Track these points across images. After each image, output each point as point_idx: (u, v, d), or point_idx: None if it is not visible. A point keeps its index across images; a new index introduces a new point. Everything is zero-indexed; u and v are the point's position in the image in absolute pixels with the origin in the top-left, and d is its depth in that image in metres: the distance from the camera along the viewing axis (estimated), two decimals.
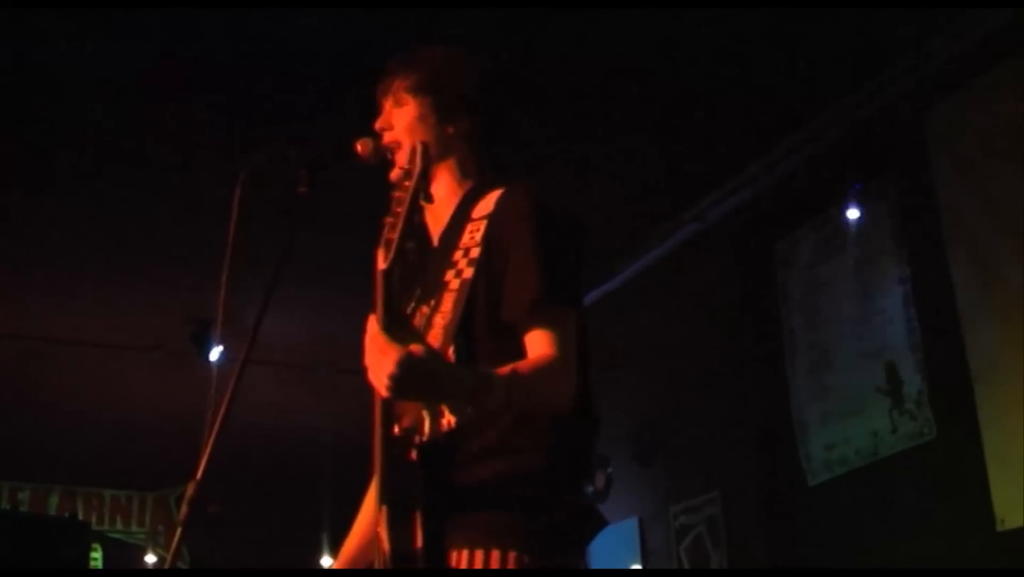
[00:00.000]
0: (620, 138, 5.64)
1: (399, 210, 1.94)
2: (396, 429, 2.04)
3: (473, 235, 2.15)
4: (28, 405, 8.57)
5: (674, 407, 6.59)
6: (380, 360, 1.81)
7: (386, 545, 1.90)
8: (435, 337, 2.05)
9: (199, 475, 2.04)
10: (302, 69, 4.98)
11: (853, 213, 5.38)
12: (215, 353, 6.71)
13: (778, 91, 5.25)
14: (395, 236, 1.92)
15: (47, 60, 4.90)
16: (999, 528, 4.48)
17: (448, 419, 2.04)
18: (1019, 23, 4.60)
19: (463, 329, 2.05)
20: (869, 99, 5.24)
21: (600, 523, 2.10)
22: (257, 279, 2.17)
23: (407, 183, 1.96)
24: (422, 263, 2.22)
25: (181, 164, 5.71)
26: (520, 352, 2.02)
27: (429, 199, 2.03)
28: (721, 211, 6.21)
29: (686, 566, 6.32)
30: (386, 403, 1.96)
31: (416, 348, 1.82)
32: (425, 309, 2.15)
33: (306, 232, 2.30)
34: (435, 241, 2.30)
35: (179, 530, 2.04)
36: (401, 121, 2.33)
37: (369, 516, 2.34)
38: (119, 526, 10.81)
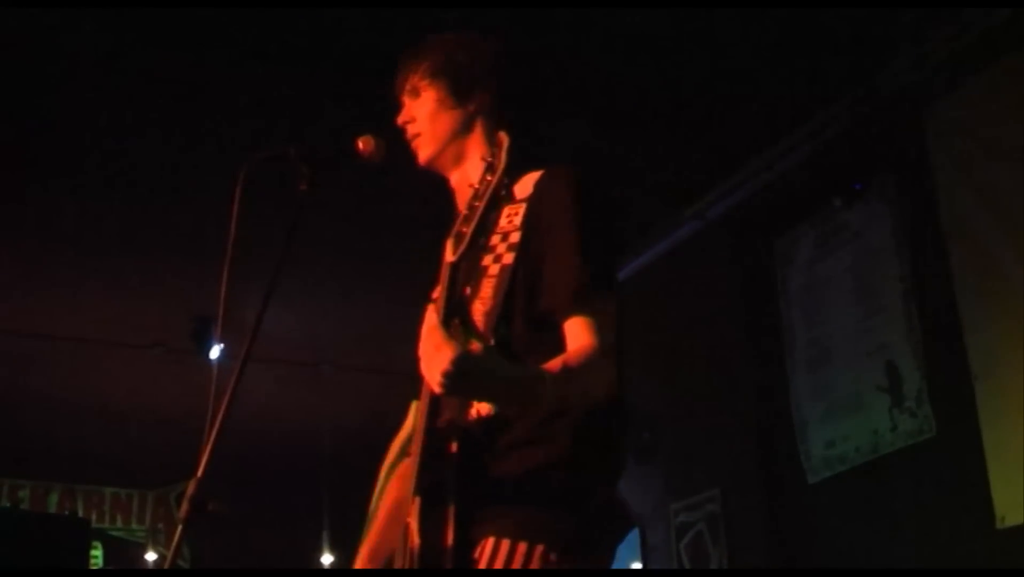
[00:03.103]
0: (620, 135, 5.64)
1: (477, 204, 1.90)
2: (440, 421, 2.01)
3: (511, 219, 2.10)
4: (28, 402, 8.57)
5: (674, 404, 6.59)
6: (435, 356, 1.78)
7: (416, 538, 1.89)
8: (476, 323, 2.01)
9: (200, 473, 2.03)
10: (305, 66, 4.98)
11: (853, 211, 5.38)
12: (216, 351, 6.71)
13: (778, 89, 5.25)
14: (469, 230, 1.90)
15: (50, 57, 4.90)
16: (999, 526, 4.48)
17: (478, 408, 2.00)
18: (1019, 21, 4.60)
19: (503, 317, 2.00)
20: (869, 97, 5.23)
21: (629, 524, 2.07)
22: (258, 276, 2.17)
23: (489, 177, 1.91)
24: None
25: (182, 161, 5.71)
26: (559, 339, 2.00)
27: (510, 197, 2.04)
28: (721, 208, 6.21)
29: (686, 564, 6.31)
30: (433, 395, 1.93)
31: (476, 347, 1.80)
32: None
33: (308, 229, 2.30)
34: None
35: (179, 528, 2.03)
36: (422, 110, 2.33)
37: (388, 504, 2.32)
38: (119, 524, 10.80)
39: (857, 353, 5.36)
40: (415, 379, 1.92)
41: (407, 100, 2.37)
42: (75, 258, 6.74)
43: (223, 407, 2.07)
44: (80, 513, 10.39)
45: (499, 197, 1.93)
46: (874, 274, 5.31)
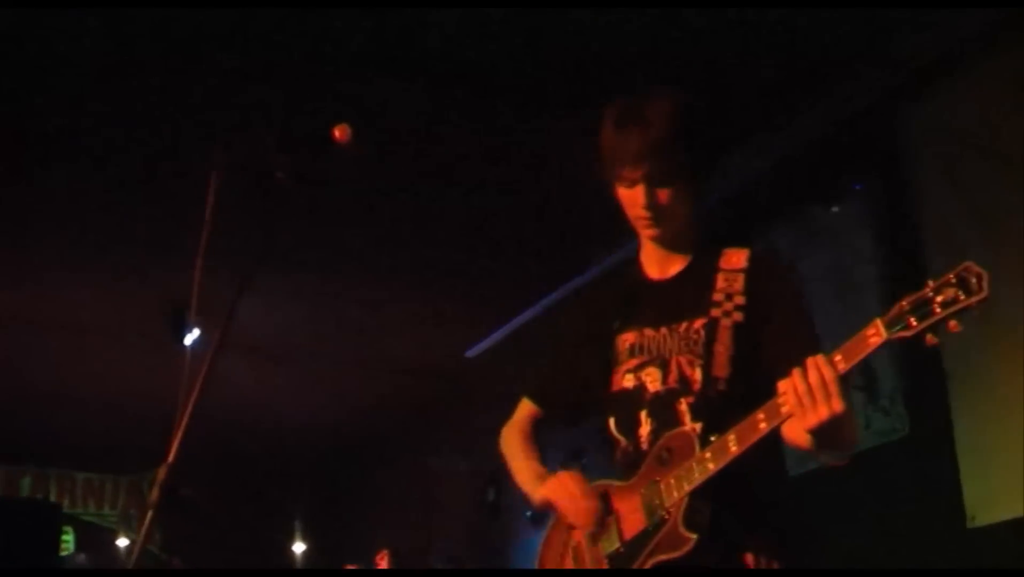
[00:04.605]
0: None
1: (939, 312, 2.25)
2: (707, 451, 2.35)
3: (731, 284, 2.53)
4: (0, 387, 8.53)
5: None
6: (828, 399, 2.18)
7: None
8: (721, 366, 2.45)
9: (171, 458, 2.03)
10: (283, 60, 4.97)
11: (832, 210, 5.39)
12: (190, 337, 6.69)
13: (758, 89, 5.26)
14: (920, 325, 2.27)
15: (37, 51, 4.88)
16: (970, 525, 4.50)
17: (738, 448, 2.29)
18: (998, 22, 4.62)
19: (739, 359, 2.44)
20: (850, 97, 5.24)
21: None
22: (236, 265, 2.17)
23: (959, 294, 2.22)
24: (640, 290, 2.64)
25: (160, 149, 5.69)
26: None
27: (717, 266, 2.53)
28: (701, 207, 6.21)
29: None
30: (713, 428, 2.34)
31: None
32: (682, 328, 2.50)
33: (285, 218, 2.29)
34: (659, 275, 2.65)
35: (150, 513, 2.02)
36: (663, 200, 2.53)
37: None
38: (91, 509, 10.78)
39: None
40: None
41: (645, 184, 2.52)
42: (50, 244, 6.71)
43: (195, 393, 2.06)
44: (52, 498, 10.36)
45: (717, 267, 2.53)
46: (852, 274, 5.32)
